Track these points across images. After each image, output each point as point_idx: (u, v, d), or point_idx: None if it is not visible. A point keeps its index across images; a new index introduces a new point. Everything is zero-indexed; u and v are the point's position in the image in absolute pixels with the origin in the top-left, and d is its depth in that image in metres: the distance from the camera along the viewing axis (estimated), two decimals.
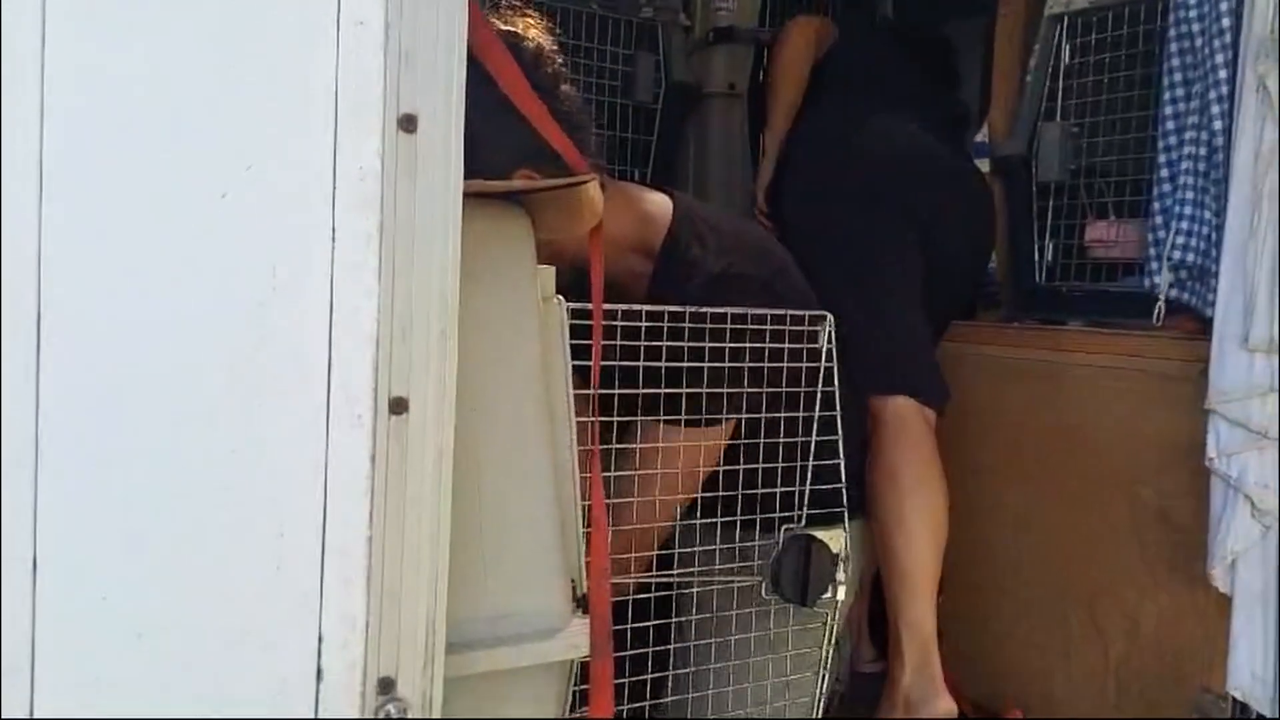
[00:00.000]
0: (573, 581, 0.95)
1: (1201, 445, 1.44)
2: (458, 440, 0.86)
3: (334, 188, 0.70)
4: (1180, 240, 1.47)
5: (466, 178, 0.82)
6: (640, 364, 1.10)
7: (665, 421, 1.24)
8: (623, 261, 1.42)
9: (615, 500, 1.16)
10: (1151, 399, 1.53)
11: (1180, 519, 1.50)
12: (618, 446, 1.16)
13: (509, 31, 1.29)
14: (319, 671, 0.73)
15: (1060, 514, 1.69)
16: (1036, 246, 1.87)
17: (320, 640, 0.72)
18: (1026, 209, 1.88)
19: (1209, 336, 1.44)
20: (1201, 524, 1.44)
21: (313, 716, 0.73)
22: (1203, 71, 1.42)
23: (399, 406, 0.73)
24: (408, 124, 0.72)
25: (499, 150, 1.15)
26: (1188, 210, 1.45)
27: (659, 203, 1.43)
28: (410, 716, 0.75)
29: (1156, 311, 1.57)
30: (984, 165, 1.98)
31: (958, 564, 1.87)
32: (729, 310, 1.17)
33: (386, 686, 0.75)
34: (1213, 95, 1.40)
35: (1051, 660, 1.69)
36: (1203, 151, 1.45)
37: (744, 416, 1.20)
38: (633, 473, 1.19)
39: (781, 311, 1.20)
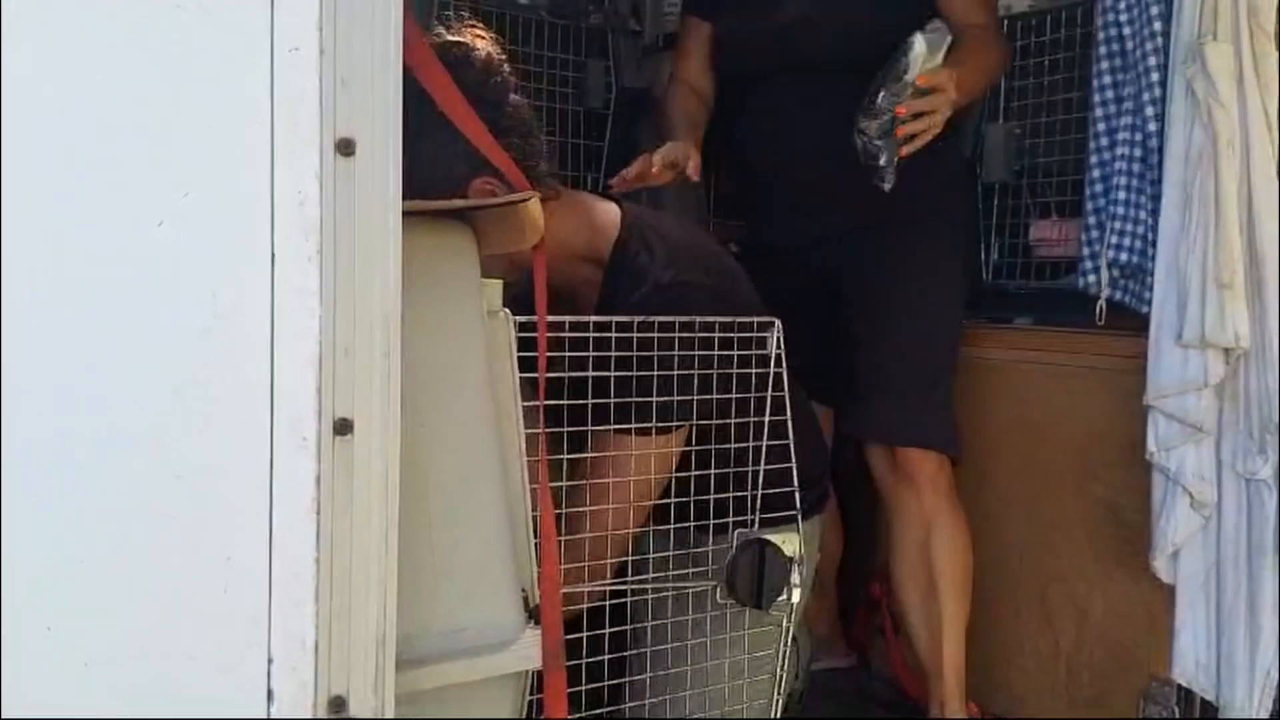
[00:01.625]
0: (524, 593, 0.96)
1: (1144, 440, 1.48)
2: (405, 456, 0.86)
3: (273, 213, 0.70)
4: (1115, 240, 1.50)
5: (417, 194, 0.83)
6: (589, 374, 1.11)
7: (617, 430, 1.25)
8: (572, 270, 1.42)
9: (573, 511, 1.18)
10: (1096, 395, 1.57)
11: (1127, 513, 1.54)
12: (570, 457, 1.17)
13: (457, 43, 1.30)
14: (270, 694, 0.73)
15: (1013, 509, 1.72)
16: (983, 246, 1.90)
17: (270, 662, 0.73)
18: (972, 209, 1.91)
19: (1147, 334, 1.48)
20: (1147, 517, 1.48)
21: None
22: (1134, 74, 1.46)
23: (344, 427, 0.74)
24: (345, 148, 0.72)
25: (449, 164, 1.16)
26: (1122, 210, 1.48)
27: (608, 211, 1.44)
28: None
29: (1098, 310, 1.61)
30: None
31: None
32: (677, 319, 1.18)
33: (338, 706, 0.75)
34: (1146, 97, 1.43)
35: (1007, 651, 1.73)
36: (1137, 153, 1.48)
37: (695, 423, 1.21)
38: (584, 482, 1.19)
39: (730, 319, 1.22)
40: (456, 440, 0.90)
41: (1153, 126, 1.44)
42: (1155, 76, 1.41)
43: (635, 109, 2.34)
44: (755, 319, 1.24)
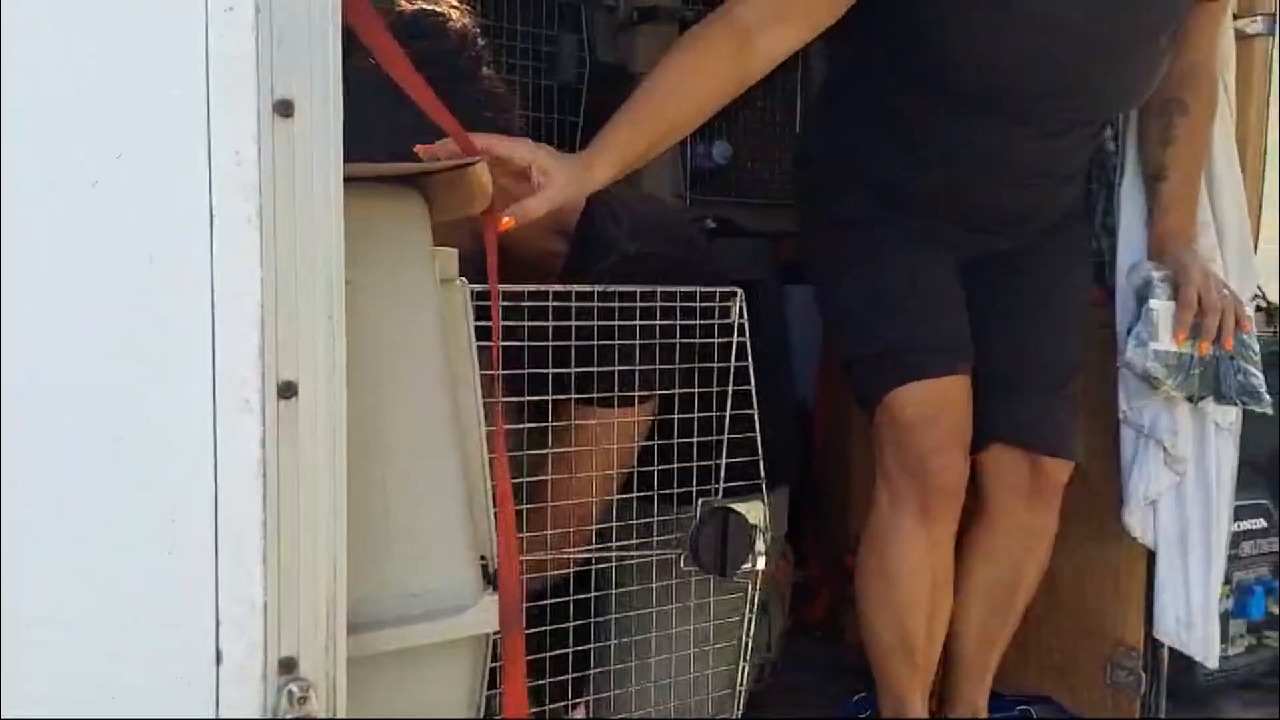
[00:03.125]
0: (484, 559, 0.96)
1: (1111, 406, 1.49)
2: (357, 421, 0.86)
3: (210, 174, 0.70)
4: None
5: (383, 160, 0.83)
6: (549, 344, 1.11)
7: (579, 402, 1.25)
8: (538, 241, 1.43)
9: (539, 481, 1.18)
10: None
11: (1092, 479, 1.55)
12: (532, 426, 1.17)
13: (431, 13, 1.29)
14: (218, 654, 0.73)
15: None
16: None
17: (218, 623, 0.73)
18: None
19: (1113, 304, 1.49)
20: (1113, 483, 1.49)
21: (213, 698, 0.73)
22: None
23: (288, 390, 0.74)
24: (283, 109, 0.72)
25: (402, 132, 1.16)
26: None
27: None
28: (313, 696, 0.76)
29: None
30: None
31: None
32: (638, 289, 1.18)
33: (288, 667, 0.76)
34: None
35: None
36: None
37: (658, 393, 1.22)
38: (547, 452, 1.20)
39: (693, 289, 1.22)
40: (409, 406, 0.90)
41: None
42: None
43: (609, 84, 2.33)
44: (718, 289, 1.24)
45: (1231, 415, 1.45)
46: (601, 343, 1.16)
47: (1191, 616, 1.45)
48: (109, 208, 0.68)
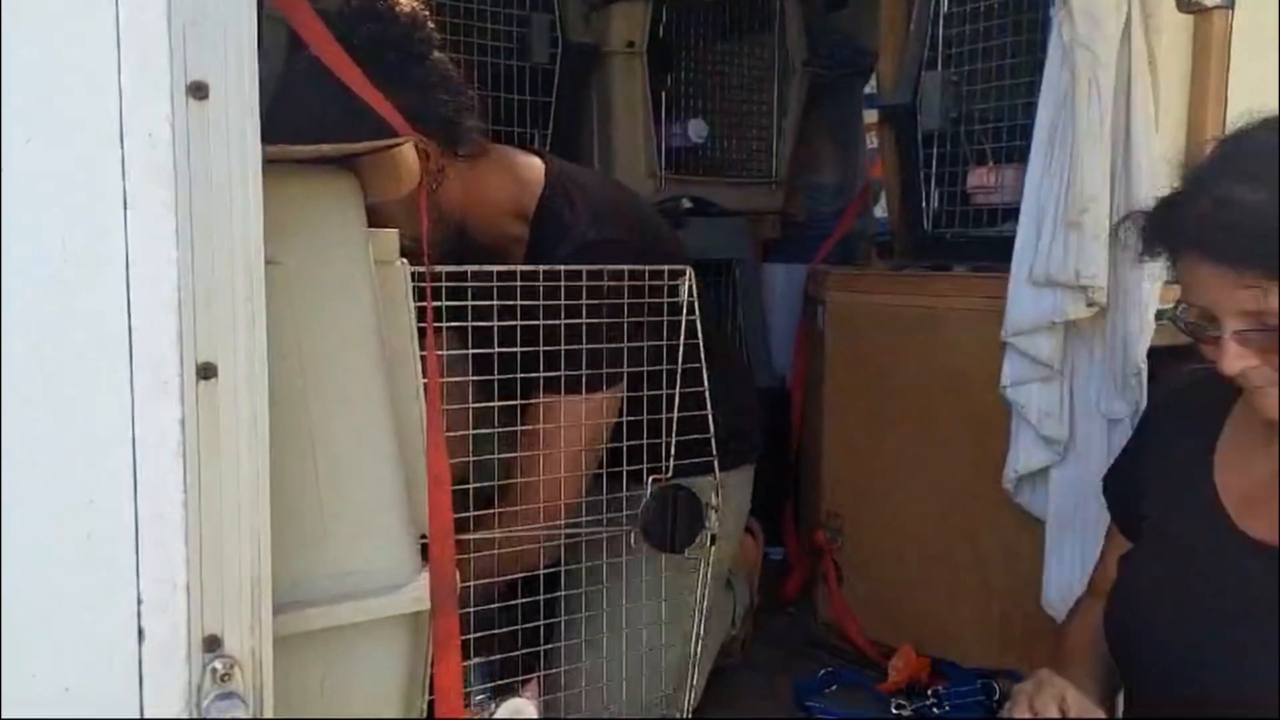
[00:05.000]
0: (425, 538, 0.97)
1: None
2: (287, 402, 0.87)
3: (123, 157, 0.71)
4: None
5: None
6: (494, 324, 1.12)
7: (544, 387, 1.26)
8: (499, 227, 1.43)
9: (511, 465, 1.19)
10: None
11: None
12: (482, 405, 1.18)
13: None
14: (141, 632, 0.74)
15: (947, 455, 1.74)
16: (923, 194, 1.90)
17: (140, 602, 0.74)
18: (913, 158, 1.91)
19: None
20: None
21: (137, 676, 0.74)
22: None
23: (207, 372, 0.74)
24: (198, 91, 0.72)
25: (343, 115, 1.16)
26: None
27: (531, 167, 1.45)
28: (238, 673, 0.77)
29: None
30: (873, 116, 2.01)
31: (857, 509, 1.92)
32: (584, 268, 1.18)
33: (212, 645, 0.77)
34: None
35: (941, 596, 1.75)
36: None
37: (606, 372, 1.22)
38: (501, 428, 1.20)
39: (640, 267, 1.22)
40: (342, 387, 0.91)
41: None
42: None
43: (582, 65, 2.32)
44: (667, 267, 1.24)
45: (1116, 406, 1.43)
46: (548, 322, 1.16)
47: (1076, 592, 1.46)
48: (18, 195, 0.68)
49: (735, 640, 1.79)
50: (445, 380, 1.04)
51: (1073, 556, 1.48)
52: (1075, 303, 1.40)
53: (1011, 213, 1.75)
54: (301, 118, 1.11)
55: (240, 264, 0.75)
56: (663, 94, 2.45)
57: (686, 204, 2.46)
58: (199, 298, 0.74)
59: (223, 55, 0.73)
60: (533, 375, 1.24)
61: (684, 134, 2.50)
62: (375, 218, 1.20)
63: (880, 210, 2.14)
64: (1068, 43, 1.31)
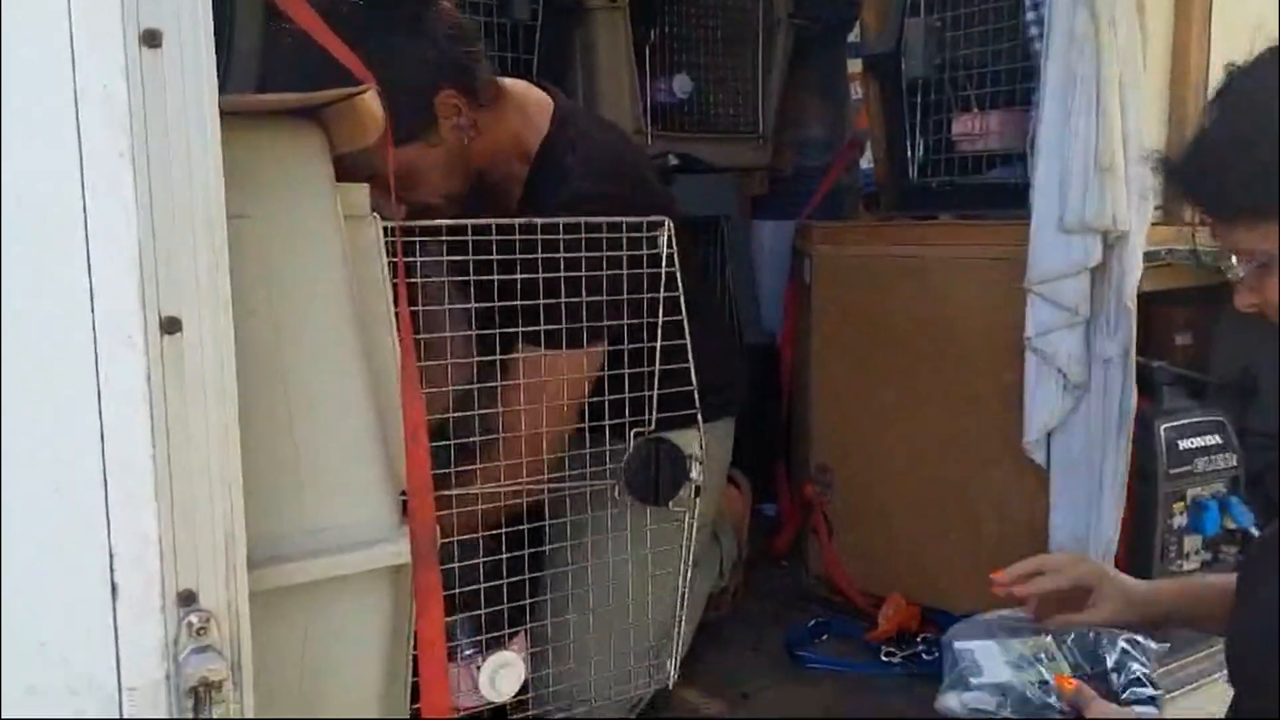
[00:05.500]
0: (404, 493, 0.97)
1: None
2: (259, 357, 0.87)
3: (77, 109, 0.70)
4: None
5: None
6: (470, 278, 1.11)
7: (524, 342, 1.26)
8: (506, 164, 1.43)
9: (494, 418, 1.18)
10: (1004, 286, 1.57)
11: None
12: (457, 361, 1.17)
13: None
14: (114, 588, 0.74)
15: (935, 404, 1.74)
16: (909, 143, 1.89)
17: (112, 557, 0.74)
18: (898, 107, 1.90)
19: None
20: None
21: (112, 631, 0.74)
22: None
23: (172, 326, 0.74)
24: (151, 39, 0.71)
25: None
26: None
27: (541, 106, 1.45)
28: (214, 626, 0.77)
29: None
30: (857, 65, 1.99)
31: (847, 461, 1.93)
32: (571, 220, 1.17)
33: (188, 599, 0.77)
34: None
35: (932, 544, 1.76)
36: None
37: (586, 326, 1.21)
38: (489, 386, 1.20)
39: (619, 219, 1.21)
40: (314, 342, 0.90)
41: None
42: None
43: (563, 21, 2.30)
44: (645, 219, 1.23)
45: (1109, 346, 1.45)
46: (525, 276, 1.15)
47: (1087, 537, 1.47)
48: None
49: (725, 593, 1.80)
50: (425, 336, 1.03)
51: (1077, 501, 1.48)
52: (1099, 247, 1.41)
53: (998, 160, 1.75)
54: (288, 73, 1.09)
55: (201, 216, 0.74)
56: (646, 49, 2.42)
57: (673, 161, 2.44)
58: (160, 251, 0.73)
59: (176, 2, 0.72)
60: (512, 330, 1.24)
61: (669, 90, 2.47)
62: (407, 179, 1.22)
63: (866, 162, 2.12)
64: None
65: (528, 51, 2.23)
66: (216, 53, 1.77)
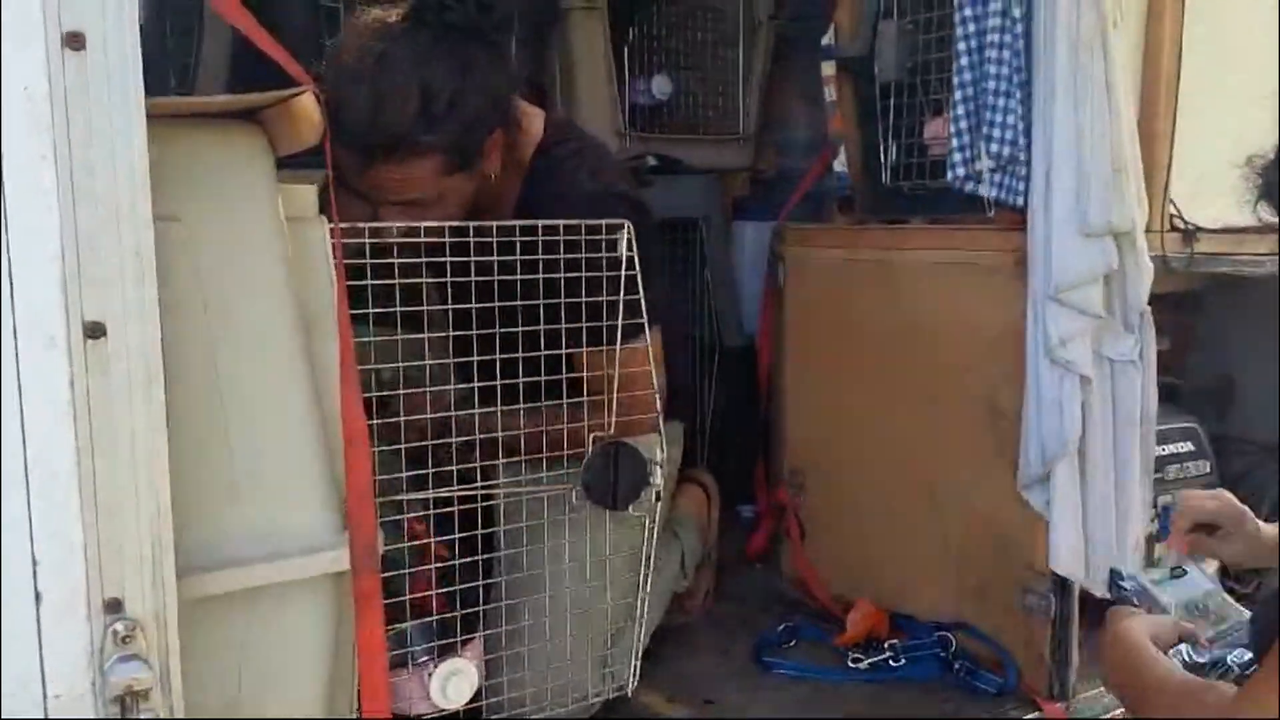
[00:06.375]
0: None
1: (1019, 333, 1.48)
2: (193, 360, 0.86)
3: None
4: (996, 133, 1.49)
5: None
6: (447, 279, 1.10)
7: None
8: (503, 180, 1.45)
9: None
10: (974, 290, 1.56)
11: (1003, 404, 1.55)
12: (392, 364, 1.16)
13: None
14: (37, 594, 0.73)
15: (904, 408, 1.73)
16: (882, 147, 1.88)
17: (35, 564, 0.73)
18: (871, 110, 1.89)
19: (1024, 228, 1.48)
20: (1019, 410, 1.49)
21: (36, 638, 0.74)
22: None
23: (95, 330, 0.73)
24: (73, 41, 0.71)
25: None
26: (998, 102, 1.46)
27: (533, 114, 1.50)
28: (140, 634, 0.76)
29: (988, 203, 1.60)
30: (830, 68, 1.98)
31: (819, 464, 1.92)
32: (518, 223, 1.17)
33: (114, 607, 0.76)
34: None
35: (899, 545, 1.75)
36: (1008, 39, 1.46)
37: (544, 328, 1.20)
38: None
39: (577, 221, 1.20)
40: (252, 345, 0.89)
41: (1018, 12, 1.41)
42: None
43: (541, 19, 2.29)
44: (604, 221, 1.22)
45: (1124, 348, 1.44)
46: (504, 278, 1.14)
47: (1089, 552, 1.46)
48: None
49: (695, 596, 1.79)
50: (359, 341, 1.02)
51: (1077, 511, 1.47)
52: (1115, 250, 1.41)
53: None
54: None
55: (126, 219, 0.73)
56: (625, 50, 2.41)
57: (652, 162, 2.43)
58: (83, 255, 0.72)
59: (99, 3, 0.71)
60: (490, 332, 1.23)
61: (648, 90, 2.46)
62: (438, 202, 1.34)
63: (840, 164, 2.11)
64: None
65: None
66: (186, 55, 1.76)
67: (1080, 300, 1.45)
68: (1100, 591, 1.42)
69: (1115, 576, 1.24)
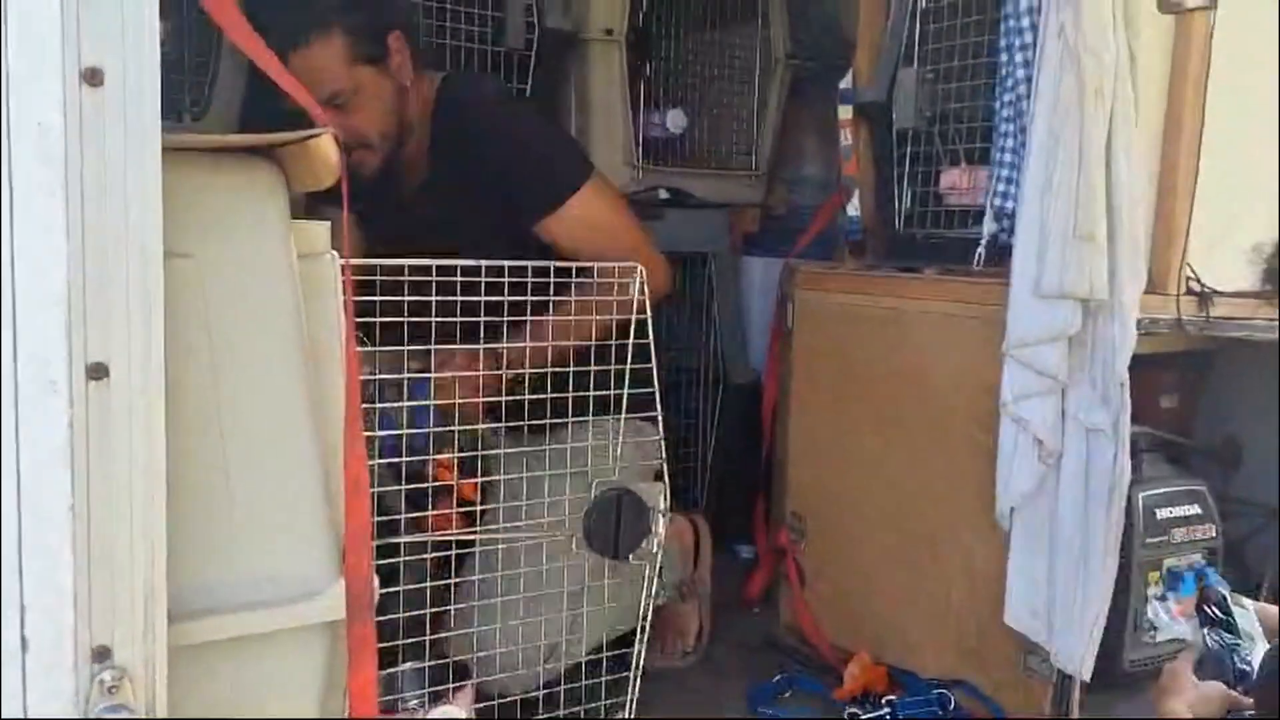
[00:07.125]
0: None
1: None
2: (196, 402, 0.84)
3: (9, 144, 0.67)
4: (1001, 188, 1.48)
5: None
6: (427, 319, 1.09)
7: None
8: (420, 132, 1.63)
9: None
10: (982, 344, 1.54)
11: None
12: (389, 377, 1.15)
13: None
14: (24, 641, 0.71)
15: (907, 459, 1.71)
16: (897, 193, 1.87)
17: (24, 609, 0.71)
18: (887, 156, 1.88)
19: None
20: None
21: (21, 686, 0.71)
22: (1014, 21, 1.42)
23: (98, 371, 0.71)
24: (92, 77, 0.69)
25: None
26: (1007, 158, 1.45)
27: (433, 78, 1.65)
28: (127, 684, 0.74)
29: (976, 256, 1.59)
30: (847, 112, 1.97)
31: (820, 510, 1.90)
32: (530, 264, 1.15)
33: (102, 655, 0.74)
34: (1017, 43, 1.39)
35: (900, 600, 1.72)
36: (1019, 96, 1.45)
37: (550, 370, 1.19)
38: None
39: (591, 264, 1.19)
40: (256, 386, 0.87)
41: (1021, 73, 1.41)
42: (1026, 21, 1.37)
43: (558, 51, 2.28)
44: (616, 264, 1.21)
45: (1098, 417, 1.41)
46: (486, 318, 1.13)
47: (1051, 615, 1.43)
48: None
49: (688, 634, 1.77)
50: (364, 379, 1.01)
51: (1039, 572, 1.45)
52: (1078, 314, 1.38)
53: (984, 215, 1.72)
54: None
55: (136, 258, 0.72)
56: (642, 83, 2.41)
57: (663, 194, 2.43)
58: (90, 293, 0.70)
59: (120, 38, 0.70)
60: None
61: (663, 124, 2.46)
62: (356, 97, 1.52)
63: (853, 208, 2.10)
64: (1073, 49, 1.26)
65: (521, 81, 2.21)
66: (201, 80, 1.76)
67: (1032, 358, 1.44)
68: (1069, 668, 1.39)
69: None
